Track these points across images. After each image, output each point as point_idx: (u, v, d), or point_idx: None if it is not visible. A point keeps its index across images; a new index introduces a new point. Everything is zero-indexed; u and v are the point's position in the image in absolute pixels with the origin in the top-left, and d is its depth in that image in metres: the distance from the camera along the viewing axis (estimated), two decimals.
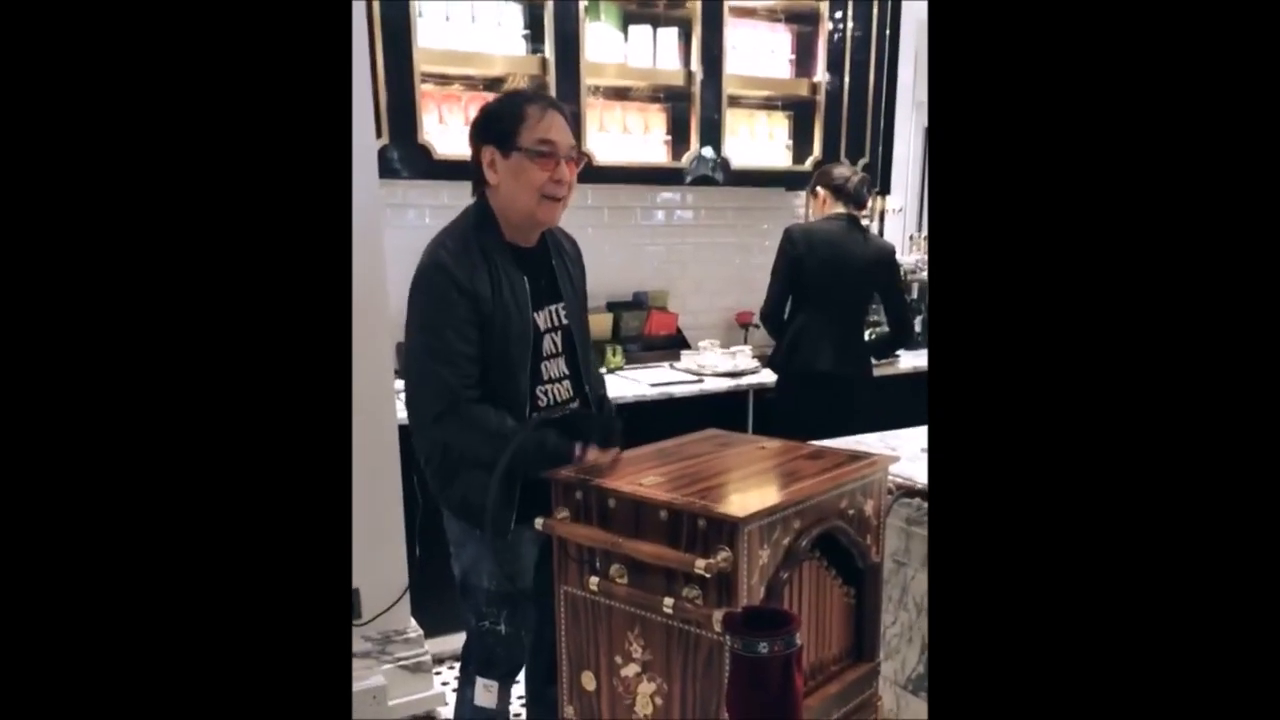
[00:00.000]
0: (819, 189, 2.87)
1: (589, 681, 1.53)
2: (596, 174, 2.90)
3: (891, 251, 2.89)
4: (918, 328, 3.70)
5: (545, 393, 1.71)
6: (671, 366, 3.18)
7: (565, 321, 1.73)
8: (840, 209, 2.80)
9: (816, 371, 2.75)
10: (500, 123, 1.62)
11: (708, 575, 1.31)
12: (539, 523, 1.51)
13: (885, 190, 3.65)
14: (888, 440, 2.28)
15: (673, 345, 3.28)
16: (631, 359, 3.16)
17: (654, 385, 2.85)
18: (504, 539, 1.70)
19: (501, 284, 1.62)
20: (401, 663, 2.36)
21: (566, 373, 1.74)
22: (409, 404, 1.70)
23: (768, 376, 2.98)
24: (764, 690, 1.25)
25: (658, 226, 3.44)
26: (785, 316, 2.82)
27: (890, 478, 1.69)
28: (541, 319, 1.70)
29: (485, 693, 1.76)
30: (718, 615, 1.30)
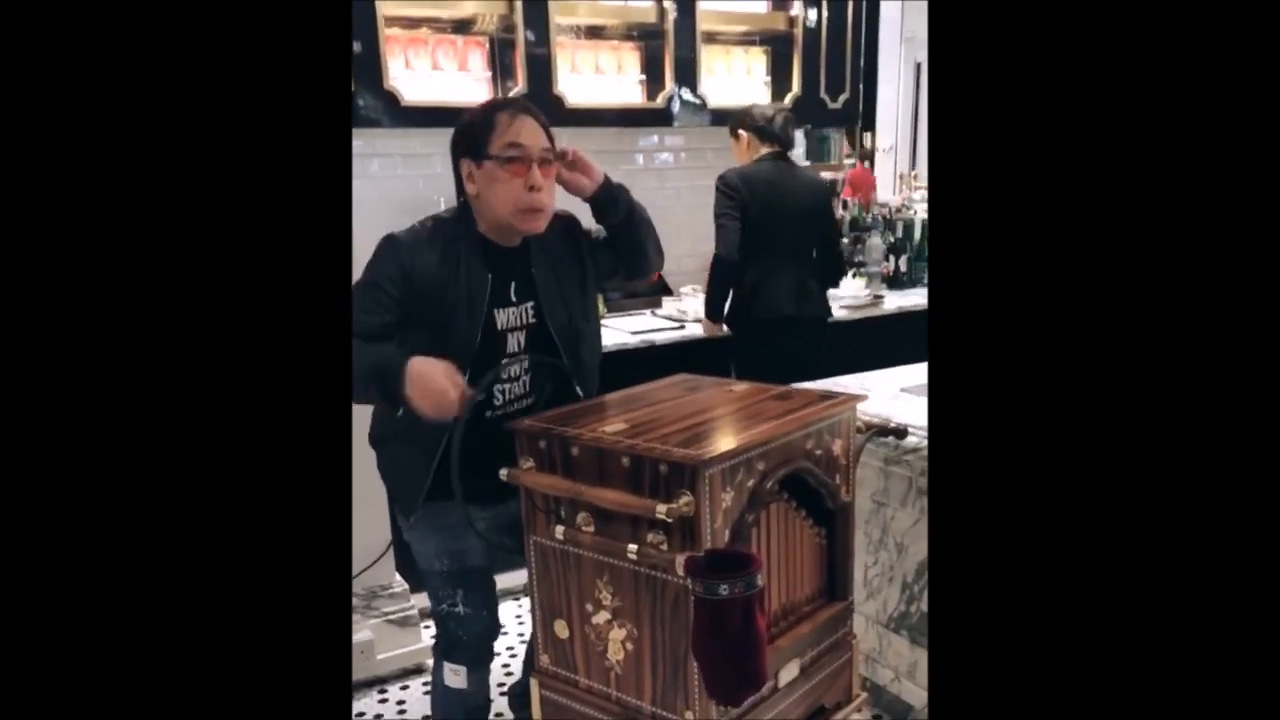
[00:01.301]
0: (740, 131, 2.78)
1: (562, 630, 1.53)
2: (570, 117, 2.84)
3: (825, 187, 2.83)
4: (903, 268, 3.66)
5: (502, 391, 1.67)
6: (653, 314, 3.15)
7: (534, 320, 1.68)
8: (765, 149, 2.73)
9: (781, 317, 2.69)
10: (473, 133, 1.59)
11: (670, 520, 1.29)
12: (504, 473, 1.49)
13: (869, 127, 3.58)
14: (864, 382, 2.26)
15: (654, 292, 3.24)
16: (613, 307, 3.13)
17: (635, 333, 2.82)
18: (407, 519, 1.70)
19: (457, 277, 1.59)
20: (388, 617, 2.37)
21: (527, 368, 1.69)
22: None
23: None
24: (726, 632, 1.25)
25: (635, 170, 3.38)
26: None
27: (864, 417, 1.67)
28: (503, 317, 1.65)
29: (454, 675, 1.76)
30: (680, 560, 1.29)
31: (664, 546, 1.34)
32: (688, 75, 3.04)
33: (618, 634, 1.46)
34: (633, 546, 1.35)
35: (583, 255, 1.74)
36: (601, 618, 1.47)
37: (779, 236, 2.70)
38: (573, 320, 1.70)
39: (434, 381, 1.46)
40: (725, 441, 1.35)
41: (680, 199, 3.48)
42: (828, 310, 2.88)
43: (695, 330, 2.92)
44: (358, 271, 1.59)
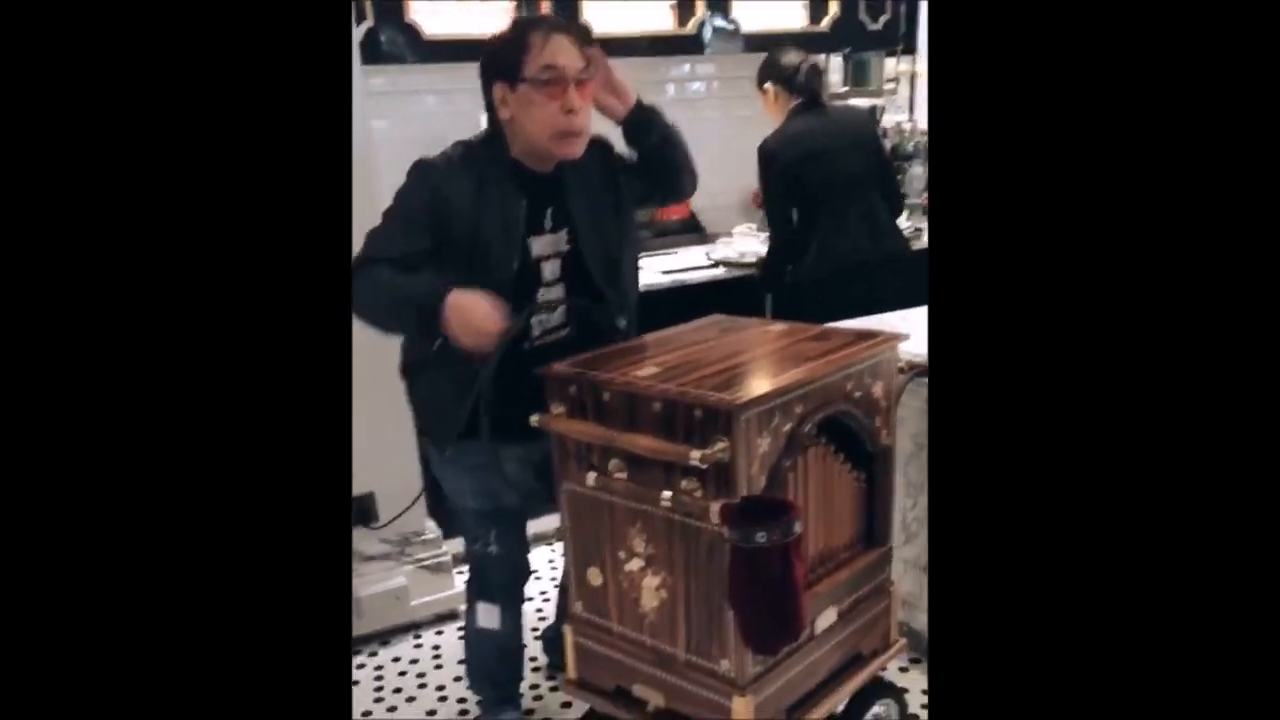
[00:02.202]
0: (767, 85, 2.63)
1: (595, 577, 1.50)
2: (609, 48, 2.72)
3: (866, 119, 2.67)
4: None
5: (539, 322, 1.62)
6: (709, 256, 3.02)
7: (568, 247, 1.62)
8: (795, 100, 2.59)
9: (858, 262, 2.57)
10: (505, 54, 1.52)
11: (704, 466, 1.24)
12: (534, 419, 1.45)
13: (910, 49, 3.41)
14: (907, 318, 2.17)
15: (687, 230, 3.15)
16: (644, 247, 3.04)
17: (666, 273, 2.74)
18: (441, 453, 1.67)
19: (491, 203, 1.54)
20: (422, 563, 2.37)
21: (563, 298, 1.64)
22: None
23: None
24: (763, 581, 1.21)
25: (666, 101, 3.21)
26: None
27: (905, 357, 1.59)
28: (538, 244, 1.60)
29: (487, 614, 1.76)
30: (715, 507, 1.25)
31: (698, 493, 1.29)
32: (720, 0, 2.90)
33: (651, 581, 1.42)
34: (666, 494, 1.31)
35: (617, 181, 1.68)
36: (635, 565, 1.43)
37: (837, 186, 2.57)
38: (609, 248, 1.65)
39: (475, 314, 1.43)
40: (761, 384, 1.29)
41: (714, 130, 3.34)
42: (905, 245, 2.73)
43: (729, 271, 2.83)
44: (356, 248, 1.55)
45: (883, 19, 3.12)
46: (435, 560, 2.40)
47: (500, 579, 1.76)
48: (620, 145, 1.70)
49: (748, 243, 2.99)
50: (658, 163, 1.68)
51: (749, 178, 3.41)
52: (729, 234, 3.12)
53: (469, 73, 1.62)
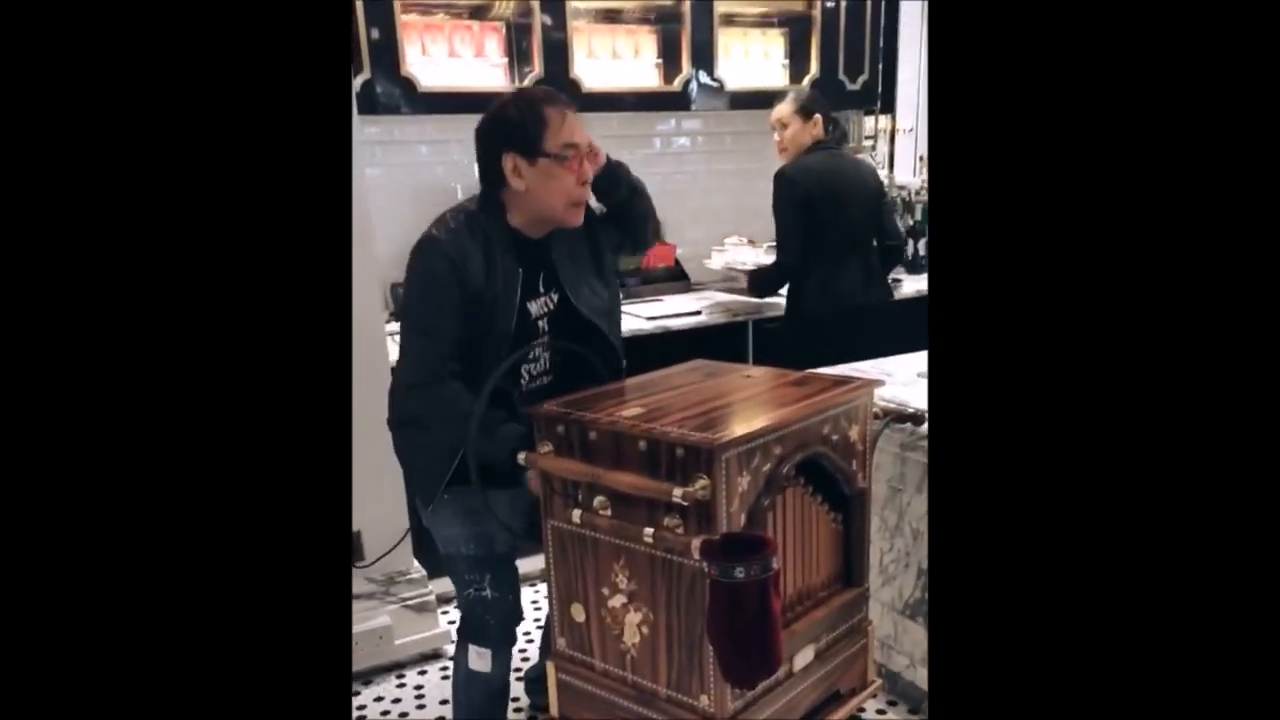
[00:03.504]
0: (817, 116, 2.70)
1: (579, 613, 1.53)
2: (587, 102, 2.82)
3: (875, 172, 2.82)
4: (921, 251, 3.62)
5: (527, 371, 1.72)
6: (717, 253, 3.06)
7: (556, 306, 1.72)
8: (823, 135, 2.70)
9: (853, 306, 2.67)
10: (523, 128, 1.60)
11: (686, 504, 1.29)
12: (522, 457, 1.49)
13: (888, 110, 3.54)
14: (883, 366, 2.25)
15: (672, 278, 3.24)
16: (630, 294, 3.12)
17: (650, 319, 2.81)
18: (426, 506, 1.74)
19: (495, 272, 1.62)
20: (406, 603, 2.39)
21: (547, 348, 1.74)
22: (396, 366, 1.74)
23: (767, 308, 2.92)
24: (741, 615, 1.25)
25: (652, 155, 3.37)
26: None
27: (881, 403, 1.66)
28: (535, 306, 1.70)
29: (479, 658, 1.79)
30: (696, 543, 1.29)
31: (680, 530, 1.34)
32: (705, 58, 3.02)
33: (634, 617, 1.46)
34: (649, 530, 1.35)
35: (596, 234, 1.78)
36: (618, 601, 1.47)
37: (844, 227, 2.67)
38: (597, 298, 1.75)
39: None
40: (742, 425, 1.35)
41: (697, 182, 3.47)
42: (890, 294, 2.88)
43: (712, 317, 2.91)
44: (358, 262, 1.62)
45: (861, 79, 3.26)
46: (420, 600, 2.42)
47: (494, 623, 1.79)
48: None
49: (741, 253, 3.08)
50: (627, 213, 1.79)
51: (730, 226, 3.53)
52: (721, 246, 3.22)
53: (461, 123, 1.70)
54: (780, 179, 2.64)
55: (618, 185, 1.74)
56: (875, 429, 1.61)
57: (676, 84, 3.03)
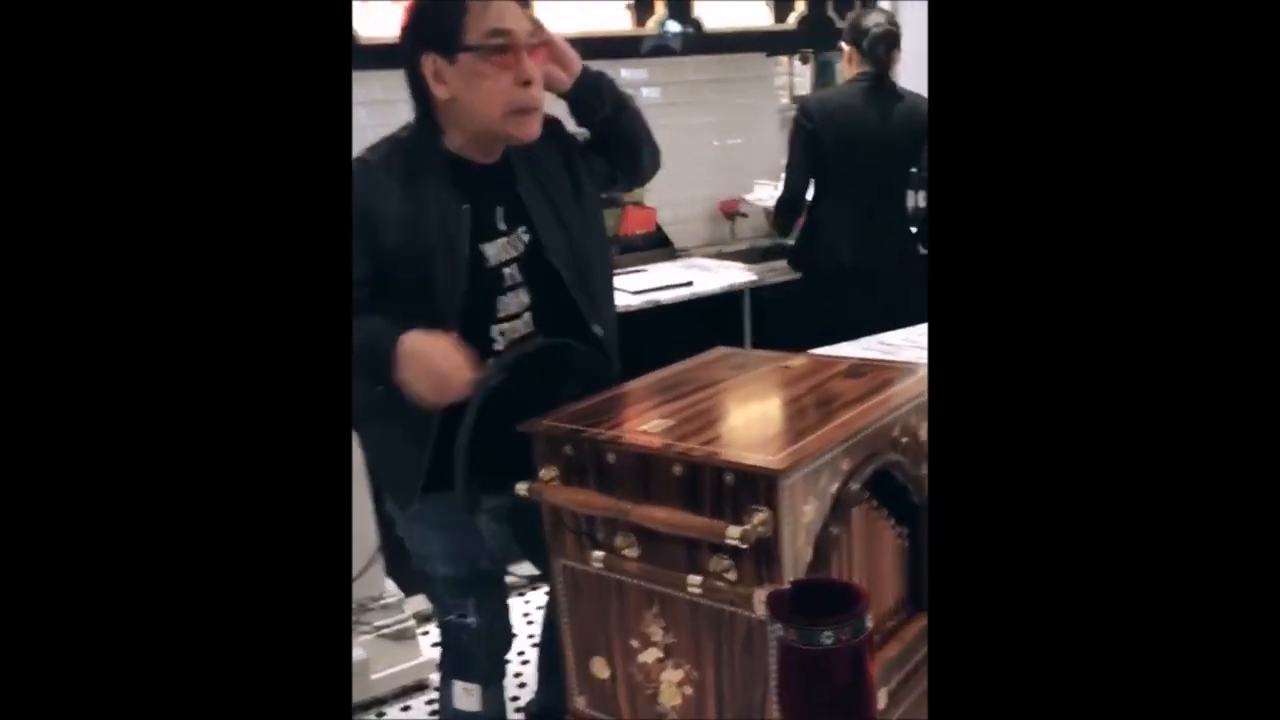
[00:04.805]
0: (844, 44, 2.48)
1: (601, 669, 1.26)
2: None
3: (923, 119, 2.41)
4: (921, 204, 3.37)
5: (502, 332, 1.39)
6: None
7: (527, 246, 1.39)
8: (864, 68, 2.40)
9: (838, 264, 2.42)
10: (438, 20, 1.27)
11: (744, 546, 1.02)
12: (521, 489, 1.21)
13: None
14: (913, 338, 1.98)
15: (654, 245, 2.94)
16: (611, 264, 2.82)
17: (638, 293, 2.53)
18: (403, 512, 1.44)
19: (428, 209, 1.30)
20: (381, 632, 2.10)
21: (528, 304, 1.40)
22: None
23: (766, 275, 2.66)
24: (828, 687, 0.98)
25: None
26: (806, 203, 2.48)
27: None
28: (494, 250, 1.37)
29: (465, 696, 1.52)
30: (760, 595, 1.03)
31: (732, 575, 1.07)
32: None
33: (672, 675, 1.19)
34: (694, 578, 1.08)
35: (574, 163, 1.45)
36: (651, 656, 1.20)
37: (850, 172, 2.40)
38: (575, 243, 1.42)
39: (432, 361, 1.21)
40: (803, 439, 1.08)
41: (672, 139, 3.12)
42: (905, 265, 2.48)
43: (704, 287, 2.62)
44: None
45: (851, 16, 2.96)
46: (397, 627, 2.14)
47: (480, 654, 1.52)
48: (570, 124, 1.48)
49: (765, 190, 2.90)
50: (616, 136, 1.46)
51: (714, 187, 3.23)
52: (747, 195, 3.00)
53: (400, 78, 1.37)
54: (798, 106, 2.48)
55: (599, 101, 1.42)
56: None
57: (649, 27, 2.71)
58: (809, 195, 2.48)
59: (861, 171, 2.41)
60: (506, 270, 1.38)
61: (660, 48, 2.73)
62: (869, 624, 0.97)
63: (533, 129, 1.32)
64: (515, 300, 1.39)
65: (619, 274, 2.77)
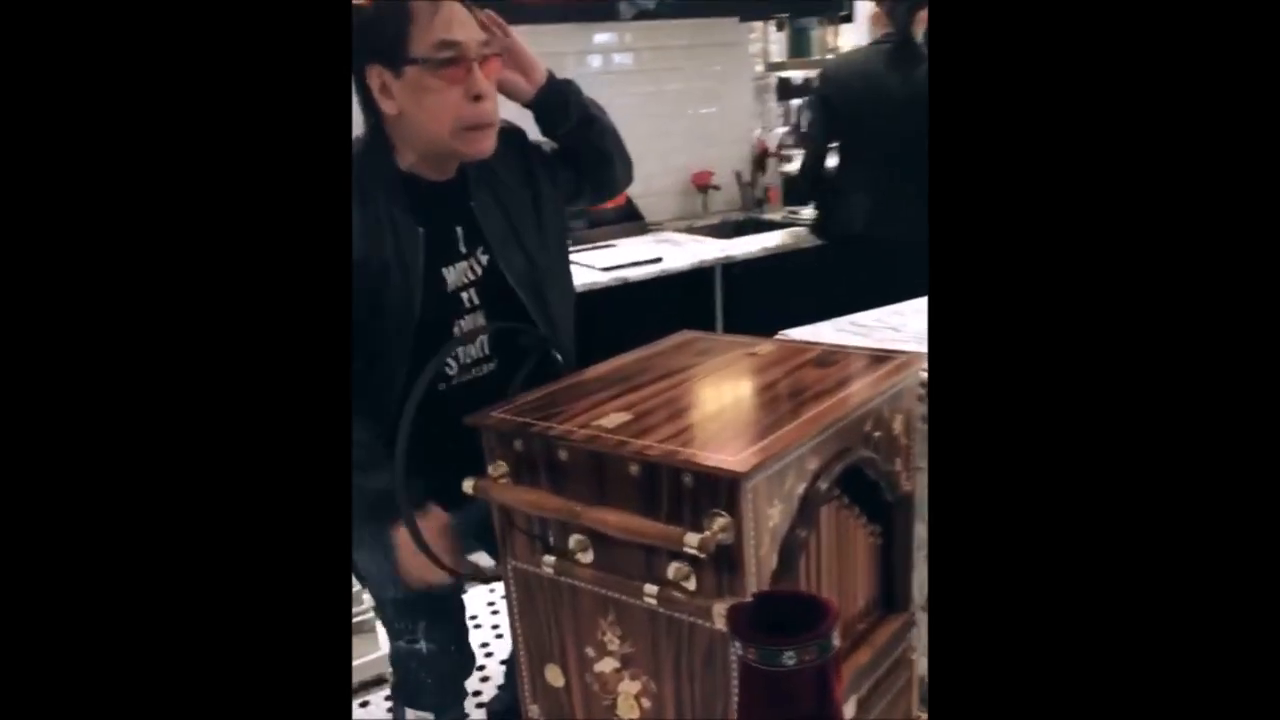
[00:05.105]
0: (873, 3, 2.42)
1: (555, 677, 1.19)
2: (516, 14, 2.37)
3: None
4: None
5: (454, 359, 1.31)
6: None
7: (485, 268, 1.31)
8: (888, 29, 2.31)
9: (851, 235, 2.35)
10: (382, 29, 1.17)
11: (703, 555, 0.94)
12: (468, 485, 1.12)
13: (849, 18, 3.15)
14: (885, 319, 1.90)
15: (624, 219, 2.84)
16: (576, 239, 2.72)
17: (605, 269, 2.43)
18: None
19: (383, 232, 1.22)
20: None
21: (483, 323, 1.32)
22: None
23: (735, 249, 2.57)
24: (791, 708, 0.91)
25: (593, 75, 2.92)
26: (829, 170, 2.42)
27: (924, 374, 1.32)
28: (454, 275, 1.29)
29: None
30: (719, 608, 0.95)
31: (691, 584, 0.99)
32: None
33: (630, 687, 1.12)
34: (650, 588, 1.00)
35: (535, 177, 1.36)
36: (607, 665, 1.13)
37: (874, 139, 2.32)
38: (533, 262, 1.33)
39: (401, 556, 1.28)
40: (769, 436, 1.00)
41: (645, 108, 3.04)
42: (918, 228, 2.42)
43: (675, 263, 2.53)
44: None
45: None
46: (358, 618, 2.05)
47: (432, 681, 1.43)
48: (534, 133, 1.39)
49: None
50: (584, 149, 1.38)
51: (686, 158, 3.13)
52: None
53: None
54: (821, 69, 2.47)
55: (564, 111, 1.33)
56: (921, 413, 1.27)
57: None
58: (830, 163, 2.42)
59: (881, 137, 2.32)
60: (465, 295, 1.31)
61: (643, 13, 2.62)
62: (836, 642, 0.90)
63: (485, 146, 1.24)
64: (471, 323, 1.31)
65: (587, 249, 2.68)
